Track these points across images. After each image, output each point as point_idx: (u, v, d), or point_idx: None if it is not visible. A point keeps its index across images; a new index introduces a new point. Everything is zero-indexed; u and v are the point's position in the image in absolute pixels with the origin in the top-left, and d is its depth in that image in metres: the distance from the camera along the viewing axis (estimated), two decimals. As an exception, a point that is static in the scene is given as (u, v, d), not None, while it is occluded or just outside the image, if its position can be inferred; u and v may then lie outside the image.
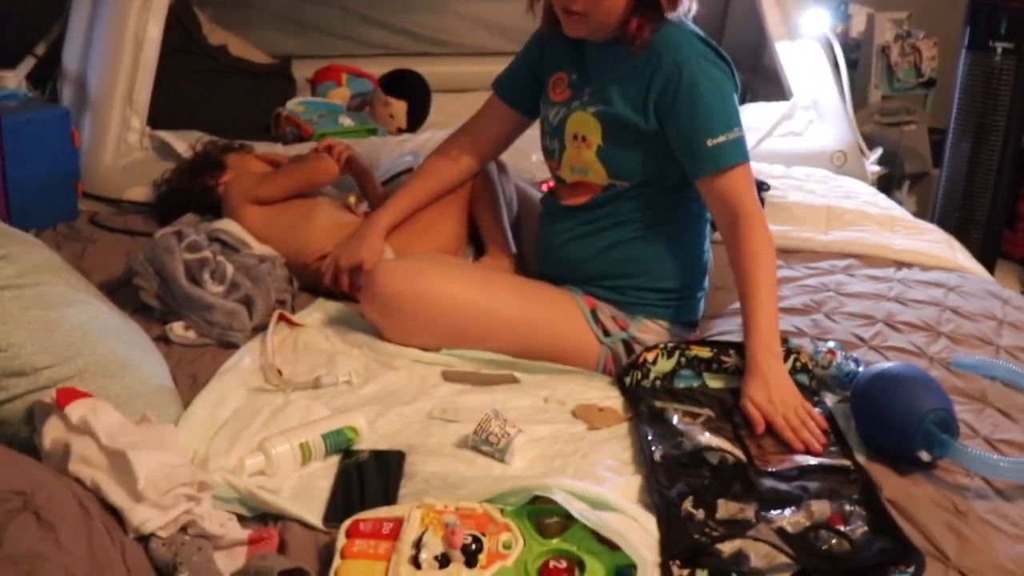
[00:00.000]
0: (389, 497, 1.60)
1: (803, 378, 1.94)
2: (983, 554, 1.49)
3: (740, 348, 1.96)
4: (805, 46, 3.49)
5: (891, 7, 4.04)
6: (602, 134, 2.08)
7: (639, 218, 2.11)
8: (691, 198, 2.11)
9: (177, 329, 2.16)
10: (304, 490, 1.64)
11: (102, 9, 3.03)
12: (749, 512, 1.53)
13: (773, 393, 1.82)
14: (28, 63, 3.18)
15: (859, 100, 3.88)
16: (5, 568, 1.20)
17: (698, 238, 2.18)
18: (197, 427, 1.78)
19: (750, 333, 1.91)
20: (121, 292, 2.29)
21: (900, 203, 3.43)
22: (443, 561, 1.39)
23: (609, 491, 1.55)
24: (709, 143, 1.99)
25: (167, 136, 3.06)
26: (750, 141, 3.38)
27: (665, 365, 1.97)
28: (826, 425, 1.80)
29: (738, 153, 2.01)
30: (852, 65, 3.75)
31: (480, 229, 2.45)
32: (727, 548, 1.44)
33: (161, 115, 3.15)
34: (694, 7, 2.05)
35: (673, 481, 1.60)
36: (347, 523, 1.48)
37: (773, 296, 1.96)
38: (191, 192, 2.68)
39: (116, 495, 1.44)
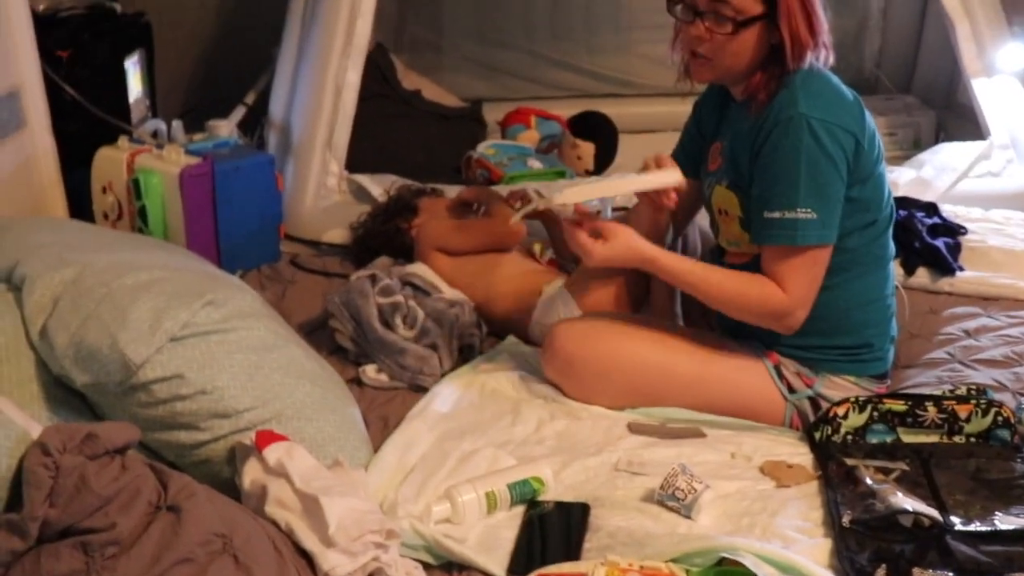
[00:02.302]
0: (572, 551, 1.60)
1: (1004, 433, 1.86)
2: None
3: (938, 401, 1.89)
4: (1003, 82, 3.34)
5: (1100, 37, 3.81)
6: (739, 205, 2.01)
7: None
8: (863, 249, 2.00)
9: (370, 372, 2.23)
10: (489, 539, 1.66)
11: (305, 57, 3.17)
12: (946, 584, 1.46)
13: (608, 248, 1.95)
14: (239, 112, 3.37)
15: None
16: (206, 608, 1.26)
17: (876, 288, 2.06)
18: (387, 472, 1.83)
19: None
20: (318, 334, 2.38)
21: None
22: (626, 620, 1.38)
23: (799, 555, 1.51)
24: (765, 214, 1.91)
25: (363, 180, 3.16)
26: (945, 182, 3.28)
27: (857, 420, 1.91)
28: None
29: (790, 235, 1.89)
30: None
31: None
32: (923, 621, 1.38)
33: (357, 158, 3.26)
34: (831, 58, 1.95)
35: (864, 547, 1.55)
36: (530, 578, 1.49)
37: (707, 284, 1.97)
38: (385, 235, 2.76)
39: (308, 539, 1.49)
